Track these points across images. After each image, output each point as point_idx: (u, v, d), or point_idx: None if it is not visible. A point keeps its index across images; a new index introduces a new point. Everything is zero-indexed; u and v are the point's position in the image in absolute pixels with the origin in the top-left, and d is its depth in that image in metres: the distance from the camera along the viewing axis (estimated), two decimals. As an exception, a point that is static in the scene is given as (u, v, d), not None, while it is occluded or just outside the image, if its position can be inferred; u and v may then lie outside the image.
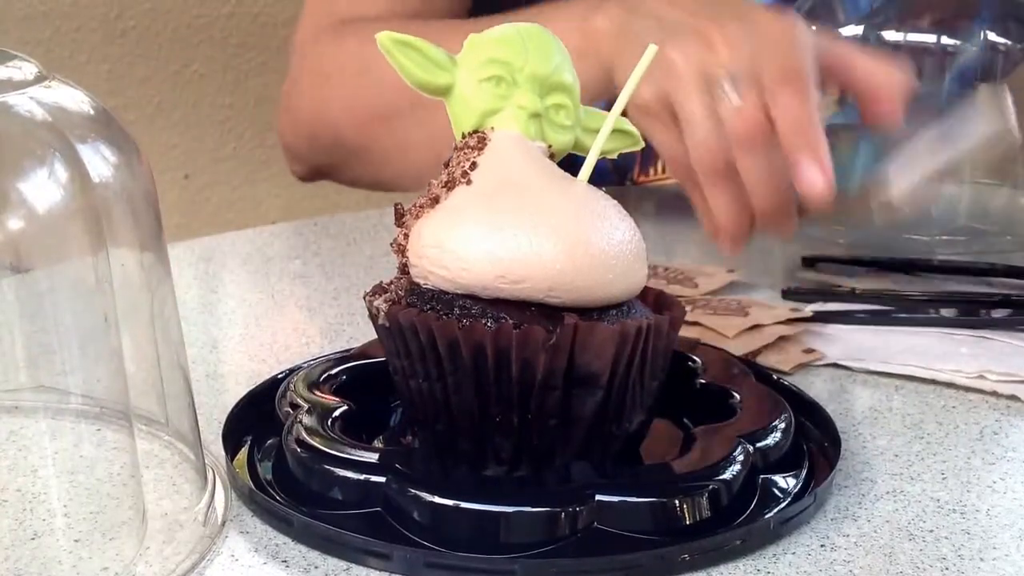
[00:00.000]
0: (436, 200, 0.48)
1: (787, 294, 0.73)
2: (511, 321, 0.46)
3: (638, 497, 0.46)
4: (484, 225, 0.47)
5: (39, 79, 0.46)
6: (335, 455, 0.48)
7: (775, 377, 0.58)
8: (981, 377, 0.61)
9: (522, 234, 0.46)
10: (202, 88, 1.68)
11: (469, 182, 0.48)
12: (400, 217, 0.50)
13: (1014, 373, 0.61)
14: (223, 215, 1.72)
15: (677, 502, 0.46)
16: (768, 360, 0.63)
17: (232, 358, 0.66)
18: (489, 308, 0.46)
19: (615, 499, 0.45)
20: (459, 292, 0.47)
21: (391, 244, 0.50)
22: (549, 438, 0.48)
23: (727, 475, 0.47)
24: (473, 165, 0.49)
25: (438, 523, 0.45)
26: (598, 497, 0.45)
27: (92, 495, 0.49)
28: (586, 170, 0.50)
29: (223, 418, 0.53)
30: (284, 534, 0.47)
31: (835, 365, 0.64)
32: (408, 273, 0.49)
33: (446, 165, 0.50)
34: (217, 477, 0.50)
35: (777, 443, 0.50)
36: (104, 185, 0.45)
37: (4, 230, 0.44)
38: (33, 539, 0.46)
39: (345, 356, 0.58)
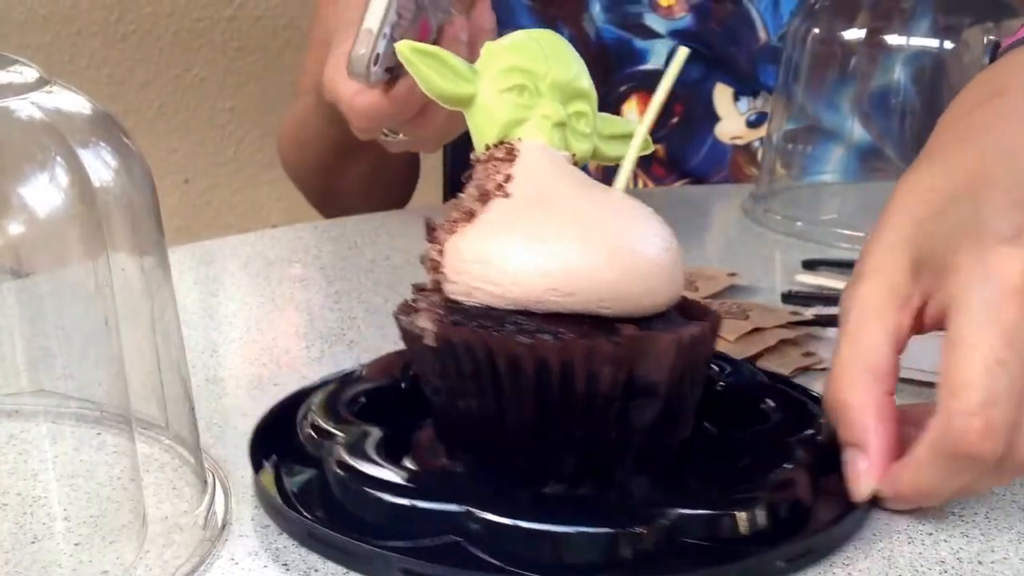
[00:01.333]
0: (471, 214, 0.47)
1: (787, 298, 0.73)
2: (571, 335, 0.45)
3: (711, 510, 0.45)
4: (531, 238, 0.46)
5: (40, 83, 0.46)
6: (397, 483, 0.46)
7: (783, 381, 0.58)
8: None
9: (571, 246, 0.45)
10: (203, 92, 1.68)
11: (507, 195, 0.47)
12: (432, 232, 0.48)
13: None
14: (223, 219, 1.73)
15: (746, 513, 0.45)
16: (769, 364, 0.63)
17: (232, 362, 0.66)
18: (544, 323, 0.45)
19: (692, 512, 0.44)
20: (508, 308, 0.46)
21: (421, 261, 0.49)
22: (608, 452, 0.47)
23: (787, 484, 0.46)
24: (507, 177, 0.47)
25: (510, 545, 0.43)
26: (676, 511, 0.44)
27: (92, 499, 0.49)
28: (623, 178, 0.49)
29: (223, 422, 0.53)
30: (342, 564, 0.45)
31: (835, 369, 0.64)
32: (439, 290, 0.48)
33: (470, 177, 0.49)
34: (217, 481, 0.50)
35: (819, 448, 0.49)
36: (105, 189, 0.45)
37: (5, 234, 0.44)
38: (33, 543, 0.46)
39: (357, 377, 0.56)
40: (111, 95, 1.61)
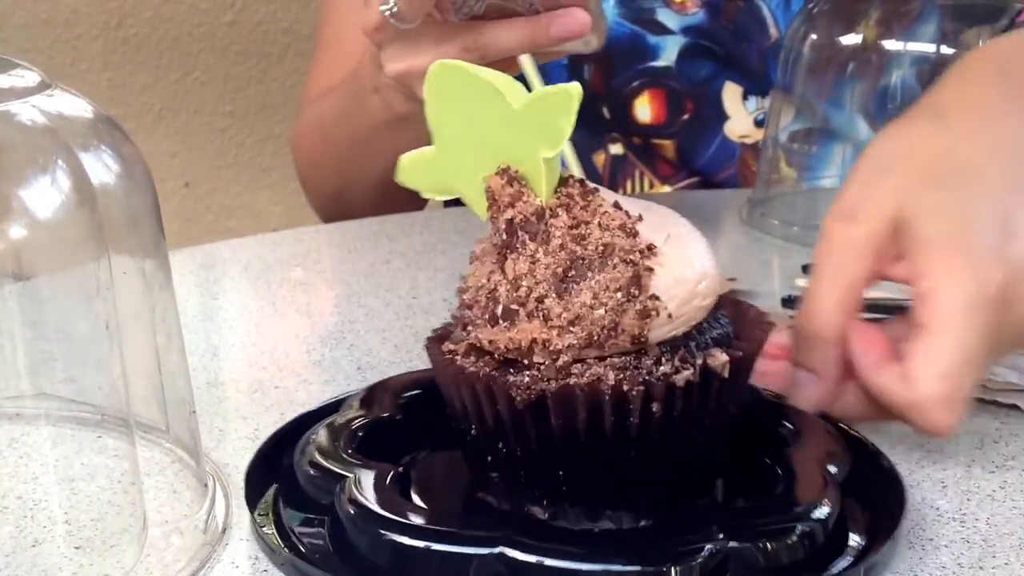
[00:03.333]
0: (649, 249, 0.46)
1: (787, 302, 0.73)
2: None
3: (743, 542, 0.43)
4: (695, 238, 0.48)
5: (42, 87, 0.46)
6: (416, 525, 0.44)
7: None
8: (982, 386, 0.61)
9: (702, 241, 0.47)
10: (203, 96, 1.68)
11: (640, 218, 0.47)
12: (638, 277, 0.45)
13: (1015, 382, 0.61)
14: (223, 223, 1.73)
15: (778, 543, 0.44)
16: (768, 368, 0.63)
17: (233, 365, 0.66)
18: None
19: (724, 545, 0.43)
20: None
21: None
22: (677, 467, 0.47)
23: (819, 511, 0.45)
24: (617, 204, 0.47)
25: None
26: (707, 546, 0.42)
27: (93, 502, 0.49)
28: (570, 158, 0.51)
29: (224, 425, 0.53)
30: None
31: (835, 373, 0.64)
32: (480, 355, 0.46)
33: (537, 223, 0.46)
34: (217, 484, 0.50)
35: (848, 466, 0.49)
36: (105, 193, 0.45)
37: (6, 238, 0.44)
38: (34, 546, 0.46)
39: (360, 414, 0.52)
40: (112, 99, 1.61)
